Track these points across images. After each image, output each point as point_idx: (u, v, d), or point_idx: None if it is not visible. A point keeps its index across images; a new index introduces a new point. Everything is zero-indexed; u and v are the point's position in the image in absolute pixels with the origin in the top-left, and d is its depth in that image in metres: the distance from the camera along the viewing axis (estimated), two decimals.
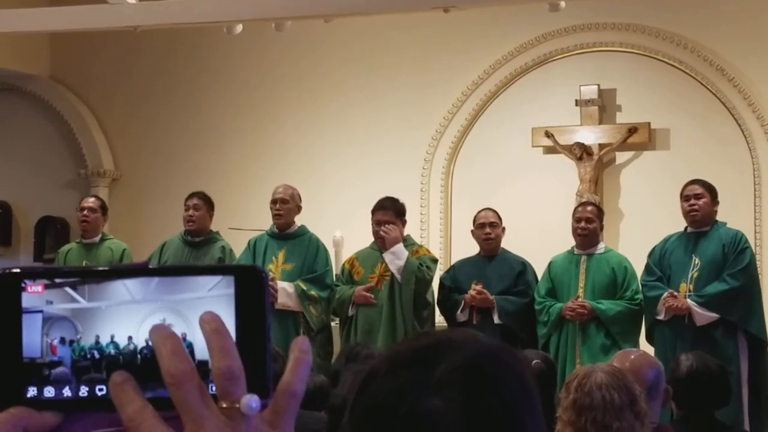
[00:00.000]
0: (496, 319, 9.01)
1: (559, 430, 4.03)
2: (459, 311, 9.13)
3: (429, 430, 1.33)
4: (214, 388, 1.14)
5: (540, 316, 8.99)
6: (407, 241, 9.35)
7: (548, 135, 10.83)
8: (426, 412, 1.33)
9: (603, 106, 10.80)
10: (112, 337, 1.16)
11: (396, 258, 9.06)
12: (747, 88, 10.39)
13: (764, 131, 10.35)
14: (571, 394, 3.98)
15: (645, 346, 8.44)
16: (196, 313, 1.15)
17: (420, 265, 9.06)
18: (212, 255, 9.77)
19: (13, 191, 12.57)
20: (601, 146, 10.68)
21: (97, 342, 1.17)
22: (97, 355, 1.16)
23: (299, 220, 9.60)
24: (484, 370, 1.38)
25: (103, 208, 10.37)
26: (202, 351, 1.15)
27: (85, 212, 10.26)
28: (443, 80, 11.23)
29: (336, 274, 9.72)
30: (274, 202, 9.52)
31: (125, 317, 1.16)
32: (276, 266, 9.31)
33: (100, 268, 1.18)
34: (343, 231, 10.77)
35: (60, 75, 12.68)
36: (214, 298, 1.16)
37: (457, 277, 9.34)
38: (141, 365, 1.15)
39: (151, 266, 1.17)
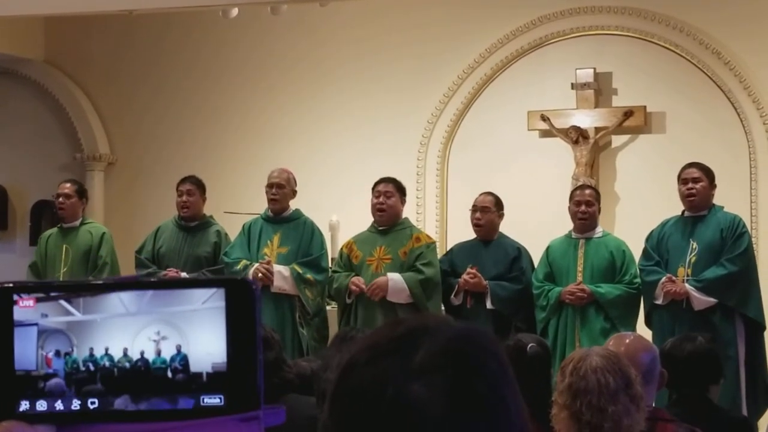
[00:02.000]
0: (488, 304, 9.00)
1: (555, 414, 4.04)
2: (453, 295, 9.11)
3: (413, 416, 1.33)
4: (205, 400, 1.14)
5: (538, 300, 8.97)
6: (404, 224, 9.34)
7: (544, 118, 10.81)
8: (410, 399, 1.33)
9: (599, 90, 10.77)
10: (107, 349, 1.16)
11: (400, 295, 9.00)
12: (743, 71, 10.37)
13: (760, 114, 10.34)
14: (567, 378, 3.99)
15: (643, 331, 8.46)
16: (191, 325, 1.15)
17: (419, 272, 9.02)
18: (207, 239, 9.76)
19: (8, 175, 12.54)
20: (597, 129, 10.66)
21: (92, 354, 1.17)
22: (91, 368, 1.16)
23: (294, 204, 9.59)
24: (466, 353, 1.39)
25: (80, 193, 10.32)
26: (196, 363, 1.15)
27: (60, 199, 10.23)
28: (439, 64, 11.20)
29: (333, 258, 9.71)
30: (270, 186, 9.51)
31: (120, 330, 1.16)
32: (271, 250, 9.31)
33: (93, 282, 1.18)
34: (339, 215, 10.75)
35: (55, 59, 12.64)
36: (208, 310, 1.16)
37: (454, 260, 9.32)
38: (136, 377, 1.16)
39: (148, 279, 1.17)
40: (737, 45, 10.40)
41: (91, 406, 1.18)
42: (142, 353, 1.18)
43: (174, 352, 1.18)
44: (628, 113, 10.60)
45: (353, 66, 11.51)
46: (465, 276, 9.01)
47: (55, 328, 1.19)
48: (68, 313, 1.19)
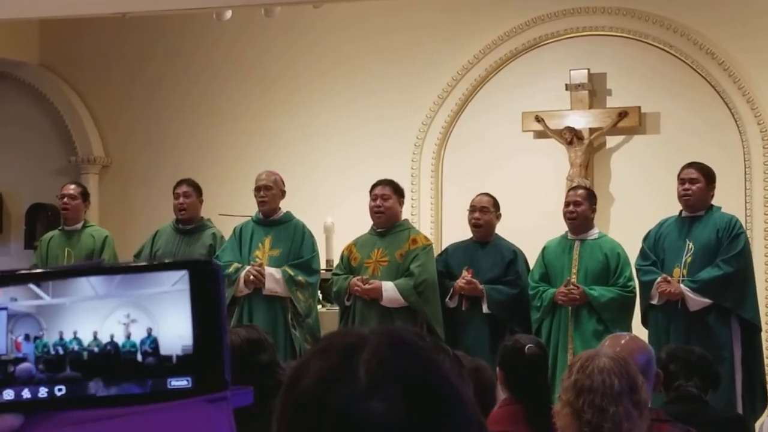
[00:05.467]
0: (484, 309, 8.97)
1: (558, 410, 4.06)
2: (448, 298, 9.08)
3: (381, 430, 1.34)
4: (172, 383, 1.14)
5: (533, 301, 8.96)
6: (403, 225, 9.32)
7: (538, 119, 10.81)
8: (372, 416, 1.34)
9: (593, 91, 10.78)
10: (75, 333, 1.16)
11: (394, 301, 9.00)
12: (737, 71, 10.38)
13: (754, 115, 10.35)
14: (573, 375, 4.02)
15: (640, 330, 8.45)
16: (161, 307, 1.15)
17: (411, 275, 9.01)
18: (203, 242, 9.76)
19: (3, 178, 12.54)
20: (592, 130, 10.67)
21: (61, 338, 1.16)
22: (61, 351, 1.16)
23: (288, 206, 9.58)
24: (401, 357, 1.39)
25: (84, 195, 10.32)
26: (166, 346, 1.15)
27: (66, 199, 10.21)
28: (433, 65, 11.21)
29: (328, 261, 9.71)
30: (257, 189, 9.51)
31: (89, 313, 1.16)
32: (263, 252, 9.30)
33: (59, 270, 1.18)
34: (334, 217, 10.76)
35: (49, 62, 12.64)
36: (178, 292, 1.16)
37: (449, 261, 9.29)
38: (105, 361, 1.15)
39: (105, 264, 1.17)
40: (731, 45, 10.40)
41: (59, 393, 1.17)
42: (111, 336, 1.18)
43: (144, 335, 1.18)
44: (623, 114, 10.60)
45: (347, 68, 11.51)
46: (460, 281, 8.99)
47: (24, 312, 1.18)
48: (37, 296, 1.19)
